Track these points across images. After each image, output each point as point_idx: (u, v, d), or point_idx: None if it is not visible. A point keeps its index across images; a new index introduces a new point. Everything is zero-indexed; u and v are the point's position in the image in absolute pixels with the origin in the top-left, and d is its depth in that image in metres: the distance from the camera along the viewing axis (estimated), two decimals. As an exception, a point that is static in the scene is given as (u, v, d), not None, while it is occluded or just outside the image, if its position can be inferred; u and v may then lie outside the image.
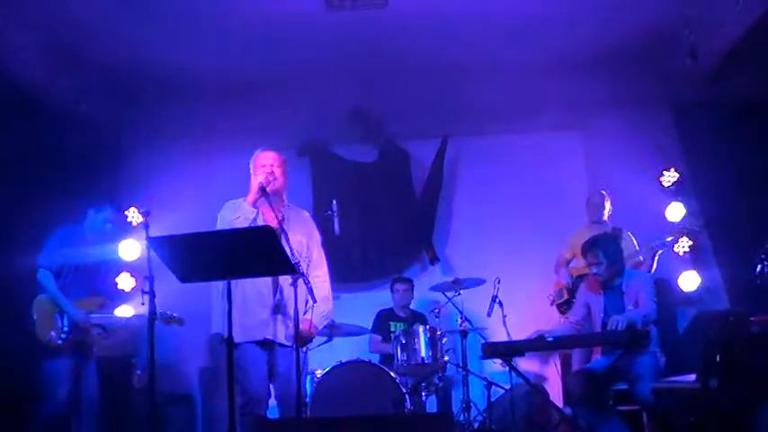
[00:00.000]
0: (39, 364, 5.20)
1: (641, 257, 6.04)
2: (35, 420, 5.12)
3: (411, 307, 7.18)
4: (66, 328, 5.21)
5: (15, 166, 6.65)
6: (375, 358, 6.63)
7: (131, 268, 7.08)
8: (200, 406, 7.42)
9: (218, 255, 3.73)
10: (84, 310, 5.31)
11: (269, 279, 4.23)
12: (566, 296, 6.44)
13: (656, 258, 6.08)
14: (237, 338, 4.07)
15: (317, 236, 4.61)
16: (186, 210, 6.64)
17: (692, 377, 4.61)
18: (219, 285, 4.41)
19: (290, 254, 3.98)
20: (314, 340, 4.62)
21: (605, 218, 6.50)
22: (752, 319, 4.39)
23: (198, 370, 7.57)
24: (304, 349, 4.48)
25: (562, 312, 6.41)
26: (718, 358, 4.46)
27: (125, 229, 6.74)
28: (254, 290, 4.29)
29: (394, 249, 7.66)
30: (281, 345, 4.26)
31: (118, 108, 7.17)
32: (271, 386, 4.42)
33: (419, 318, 7.05)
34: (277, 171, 4.42)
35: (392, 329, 6.92)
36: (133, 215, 7.25)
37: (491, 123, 7.62)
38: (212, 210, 7.60)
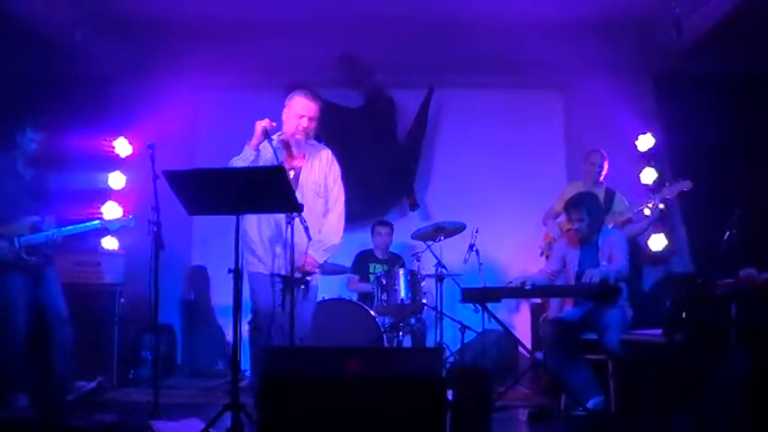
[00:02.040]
0: None
1: (630, 215, 6.23)
2: None
3: (391, 250, 7.43)
4: None
5: (9, 92, 6.75)
6: (353, 297, 6.90)
7: (117, 198, 7.26)
8: (179, 335, 7.65)
9: (227, 191, 3.93)
10: (15, 234, 5.18)
11: (282, 217, 4.39)
12: None
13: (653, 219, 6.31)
14: (257, 269, 4.48)
15: (335, 172, 4.81)
16: (173, 143, 6.78)
17: (659, 332, 4.96)
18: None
19: (303, 193, 4.31)
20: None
21: (602, 178, 6.56)
22: (719, 282, 4.71)
23: (178, 301, 7.77)
24: (312, 281, 4.73)
25: None
26: (684, 315, 4.80)
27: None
28: (272, 227, 4.53)
29: (376, 193, 7.83)
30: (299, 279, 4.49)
31: (110, 41, 7.21)
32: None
33: (397, 260, 7.31)
34: (311, 124, 4.63)
35: (371, 270, 7.18)
36: (120, 146, 7.38)
37: (476, 77, 7.80)
38: (198, 144, 7.85)
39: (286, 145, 4.63)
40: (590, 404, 5.13)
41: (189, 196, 3.94)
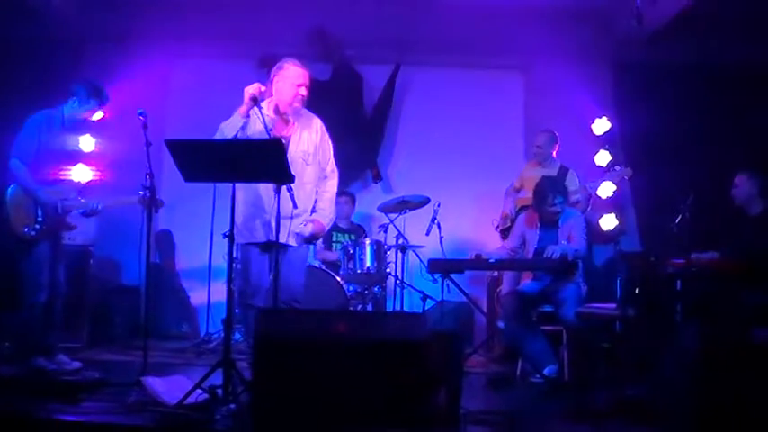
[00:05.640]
0: (19, 255, 5.21)
1: (579, 197, 6.58)
2: (22, 310, 5.20)
3: (352, 220, 7.68)
4: (39, 218, 5.16)
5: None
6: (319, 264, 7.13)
7: (86, 161, 7.31)
8: (143, 297, 7.77)
9: (225, 160, 4.11)
10: (60, 198, 5.25)
11: (269, 187, 4.51)
12: (509, 223, 6.99)
13: (591, 200, 6.73)
14: (243, 240, 4.65)
15: (327, 144, 4.94)
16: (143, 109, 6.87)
17: (613, 305, 5.35)
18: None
19: (292, 161, 4.42)
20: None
21: (554, 155, 6.90)
22: (670, 261, 5.10)
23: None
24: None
25: (504, 237, 6.98)
26: (636, 291, 5.20)
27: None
28: (256, 197, 4.65)
29: (340, 165, 8.01)
30: (284, 245, 4.58)
31: (86, 7, 7.30)
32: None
33: (359, 230, 7.58)
34: (307, 92, 4.76)
35: (334, 239, 7.43)
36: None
37: (442, 56, 8.04)
38: (168, 111, 7.93)
39: (279, 113, 4.73)
40: (545, 372, 5.50)
41: (188, 164, 4.10)
